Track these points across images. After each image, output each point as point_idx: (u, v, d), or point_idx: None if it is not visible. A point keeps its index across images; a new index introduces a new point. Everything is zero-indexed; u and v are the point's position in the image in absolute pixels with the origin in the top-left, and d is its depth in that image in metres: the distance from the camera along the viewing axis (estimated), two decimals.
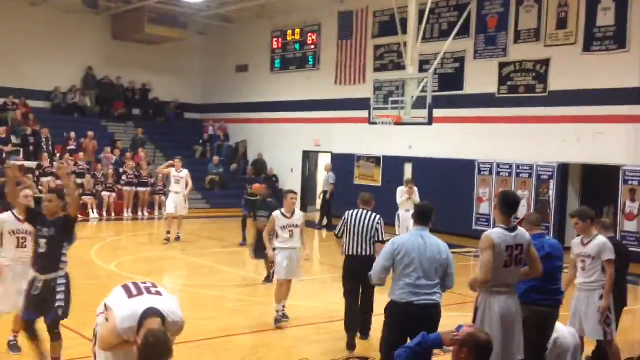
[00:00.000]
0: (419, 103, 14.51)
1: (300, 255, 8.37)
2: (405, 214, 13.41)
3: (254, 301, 9.57)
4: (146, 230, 17.59)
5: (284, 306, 8.35)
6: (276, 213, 8.31)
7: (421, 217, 5.54)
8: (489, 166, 16.98)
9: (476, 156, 17.19)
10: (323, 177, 20.07)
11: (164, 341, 3.67)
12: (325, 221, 18.73)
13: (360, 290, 7.46)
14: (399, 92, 15.13)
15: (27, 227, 6.13)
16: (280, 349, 7.25)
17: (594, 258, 6.32)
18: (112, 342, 3.94)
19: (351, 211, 7.60)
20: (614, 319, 6.50)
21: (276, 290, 8.33)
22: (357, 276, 7.29)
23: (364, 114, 17.55)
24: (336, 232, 7.69)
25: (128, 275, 10.90)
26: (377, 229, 7.42)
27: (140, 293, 4.01)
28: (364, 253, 7.37)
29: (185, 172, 14.50)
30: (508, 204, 5.26)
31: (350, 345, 7.16)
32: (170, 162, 14.90)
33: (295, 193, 8.68)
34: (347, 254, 7.50)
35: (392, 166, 19.14)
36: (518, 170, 16.42)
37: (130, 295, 3.99)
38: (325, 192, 19.14)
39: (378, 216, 7.55)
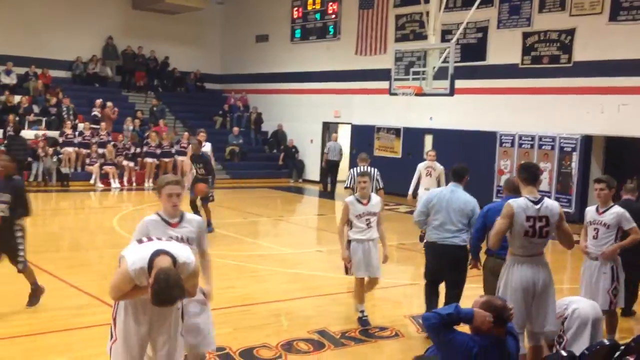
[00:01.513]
0: (441, 74, 14.35)
1: (377, 250, 7.10)
2: (425, 191, 11.44)
3: (274, 271, 9.63)
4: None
5: (362, 311, 7.10)
6: (349, 199, 7.11)
7: (455, 175, 6.78)
8: (511, 138, 16.79)
9: (498, 128, 17.00)
10: (330, 146, 20.35)
11: (175, 278, 3.76)
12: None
13: None
14: (420, 62, 14.97)
15: None
16: (299, 318, 7.30)
17: (609, 227, 6.34)
18: (123, 288, 3.96)
19: (355, 168, 10.00)
20: (622, 289, 6.47)
21: (355, 289, 7.24)
22: None
23: (384, 84, 17.41)
24: (346, 185, 9.86)
25: None
26: (377, 179, 9.79)
27: (150, 240, 4.13)
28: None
29: (208, 146, 13.25)
30: (529, 173, 5.39)
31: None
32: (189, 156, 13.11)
33: (366, 175, 7.14)
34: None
35: (412, 138, 19.02)
36: (540, 142, 16.22)
37: (141, 242, 4.12)
38: (335, 162, 19.60)
39: (376, 169, 9.91)
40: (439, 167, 11.70)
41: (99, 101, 20.80)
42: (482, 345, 3.85)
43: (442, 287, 6.86)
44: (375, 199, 7.13)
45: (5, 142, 17.52)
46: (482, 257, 6.50)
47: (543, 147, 16.17)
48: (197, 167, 11.80)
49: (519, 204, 5.18)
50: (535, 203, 5.19)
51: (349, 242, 7.04)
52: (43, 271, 8.71)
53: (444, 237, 6.57)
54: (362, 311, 7.05)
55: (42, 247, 10.54)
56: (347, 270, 7.16)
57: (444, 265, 6.66)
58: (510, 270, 5.26)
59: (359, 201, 7.03)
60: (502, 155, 16.93)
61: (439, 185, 11.26)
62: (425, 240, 6.99)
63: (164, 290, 3.72)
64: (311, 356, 6.14)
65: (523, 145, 16.59)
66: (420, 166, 11.94)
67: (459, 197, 6.62)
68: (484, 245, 6.34)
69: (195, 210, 11.37)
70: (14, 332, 6.27)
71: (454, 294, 6.65)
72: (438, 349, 4.01)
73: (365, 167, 10.01)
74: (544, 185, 15.97)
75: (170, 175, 5.71)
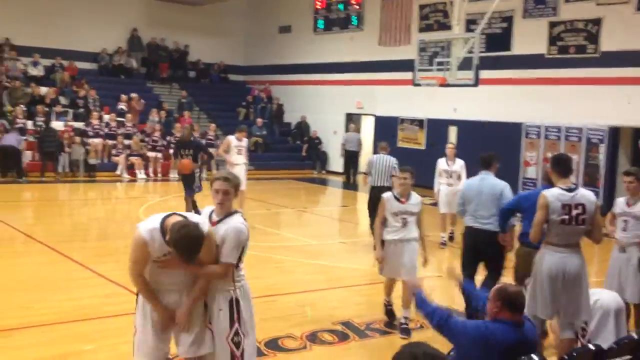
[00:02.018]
0: (465, 64, 14.23)
1: (416, 252, 6.67)
2: (445, 188, 11.11)
3: (298, 262, 9.68)
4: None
5: (406, 318, 6.62)
6: (387, 195, 6.70)
7: (483, 163, 7.04)
8: (537, 129, 16.62)
9: (523, 119, 16.84)
10: (347, 137, 20.47)
11: (192, 225, 3.85)
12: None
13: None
14: (444, 52, 14.88)
15: None
16: (323, 309, 7.34)
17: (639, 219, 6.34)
18: (140, 259, 4.02)
19: (374, 155, 10.86)
20: None
21: (384, 283, 6.96)
22: (379, 199, 8.62)
23: (408, 75, 17.34)
24: (365, 171, 10.86)
25: None
26: (393, 167, 10.30)
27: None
28: (384, 184, 10.17)
29: (246, 141, 13.14)
30: (563, 166, 5.51)
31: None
32: (227, 140, 13.06)
33: (407, 171, 6.69)
34: (372, 184, 10.51)
35: (436, 129, 18.92)
36: (567, 134, 16.03)
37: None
38: (354, 153, 19.69)
39: (394, 158, 10.55)
40: (459, 162, 11.14)
41: (124, 96, 20.98)
42: (497, 331, 3.87)
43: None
44: (416, 198, 6.68)
45: (38, 134, 17.84)
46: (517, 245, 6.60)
47: (570, 138, 15.98)
48: (185, 152, 11.54)
49: (553, 193, 5.29)
50: (570, 191, 5.29)
51: (383, 242, 6.68)
52: (72, 260, 8.87)
53: (478, 223, 6.80)
54: (388, 302, 6.95)
55: (70, 237, 10.73)
56: (381, 270, 6.85)
57: (479, 251, 6.85)
58: (543, 259, 5.34)
59: (396, 198, 6.62)
60: (528, 147, 16.77)
61: (461, 181, 10.86)
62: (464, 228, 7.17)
63: (183, 238, 3.79)
64: (336, 347, 6.17)
65: (549, 137, 16.41)
66: (440, 163, 11.29)
67: (488, 182, 6.86)
68: (516, 233, 6.58)
69: (195, 208, 10.63)
70: (43, 321, 6.39)
71: (492, 282, 6.64)
72: (452, 342, 4.04)
73: (384, 155, 10.71)
74: (571, 178, 15.78)
75: (224, 171, 5.69)
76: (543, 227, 5.32)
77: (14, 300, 7.04)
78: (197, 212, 9.21)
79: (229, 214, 4.27)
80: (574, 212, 5.22)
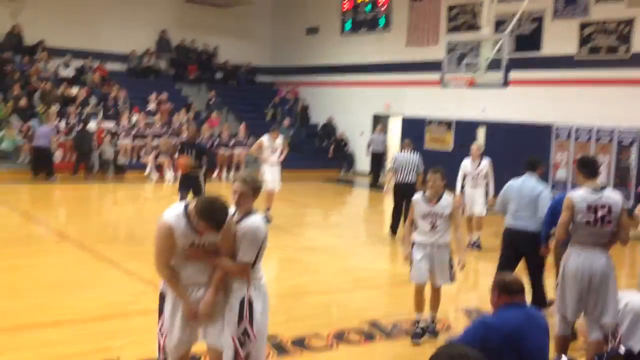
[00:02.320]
0: (494, 65, 14.10)
1: (447, 258, 6.33)
2: (470, 190, 10.80)
3: (325, 262, 9.68)
4: (222, 191, 18.00)
5: (433, 318, 6.44)
6: (416, 197, 6.39)
7: (528, 165, 7.18)
8: (567, 131, 16.42)
9: (553, 120, 16.64)
10: (372, 138, 20.55)
11: (216, 196, 4.00)
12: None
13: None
14: (473, 53, 14.74)
15: None
16: (350, 310, 7.33)
17: None
18: (164, 246, 4.07)
19: (399, 152, 11.43)
20: None
21: (414, 295, 6.45)
22: (404, 195, 10.58)
23: (436, 76, 17.23)
24: (389, 168, 11.48)
25: None
26: (417, 165, 10.97)
27: None
28: (409, 181, 10.87)
29: (281, 139, 12.97)
30: (589, 168, 5.53)
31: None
32: (263, 146, 12.61)
33: (438, 172, 6.30)
34: (397, 181, 11.05)
35: (464, 130, 18.79)
36: (598, 135, 15.81)
37: None
38: (379, 154, 19.66)
39: (418, 154, 11.14)
40: (485, 162, 10.78)
41: (153, 96, 21.20)
42: (496, 321, 3.91)
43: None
44: (447, 199, 6.27)
45: (75, 135, 18.13)
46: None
47: (600, 140, 15.76)
48: (188, 154, 10.31)
49: (579, 194, 5.33)
50: (596, 193, 5.32)
51: (413, 244, 6.40)
52: (101, 259, 8.99)
53: (517, 224, 6.90)
54: (417, 322, 6.36)
55: (100, 236, 10.87)
56: (411, 276, 6.45)
57: (518, 251, 6.97)
58: (568, 259, 5.39)
59: (425, 200, 6.30)
60: (558, 149, 16.57)
61: (487, 183, 10.81)
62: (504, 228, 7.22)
63: (210, 202, 3.97)
64: (362, 347, 6.17)
65: (580, 139, 16.20)
66: (465, 164, 10.87)
67: (529, 184, 6.96)
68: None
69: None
70: (74, 318, 6.49)
71: (534, 281, 6.96)
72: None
73: (408, 152, 11.22)
74: (600, 179, 15.56)
75: (243, 171, 5.74)
76: (568, 228, 5.37)
77: (46, 297, 7.17)
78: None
79: (247, 213, 4.28)
80: (600, 214, 5.25)
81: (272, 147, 12.60)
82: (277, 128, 13.51)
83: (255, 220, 4.25)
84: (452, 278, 6.38)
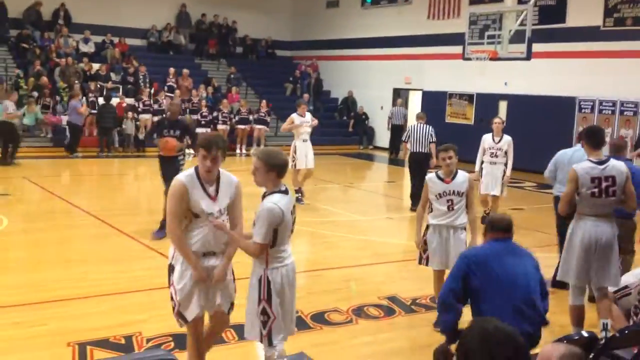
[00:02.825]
0: (517, 37, 13.91)
1: (464, 242, 6.00)
2: (488, 167, 10.28)
3: (344, 237, 9.70)
4: (243, 166, 18.06)
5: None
6: (430, 176, 6.08)
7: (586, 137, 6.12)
8: (591, 103, 16.17)
9: (577, 93, 16.40)
10: (393, 111, 20.46)
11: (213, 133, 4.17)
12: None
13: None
14: (495, 25, 14.55)
15: None
16: (369, 284, 7.36)
17: None
18: (177, 208, 4.16)
19: (412, 124, 11.95)
20: None
21: (433, 282, 6.18)
22: (418, 164, 11.47)
23: (457, 49, 17.03)
24: (403, 138, 11.99)
25: None
26: (431, 135, 11.42)
27: None
28: (423, 150, 11.44)
29: (309, 116, 12.21)
30: (596, 138, 5.56)
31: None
32: (293, 121, 11.99)
33: (450, 149, 5.95)
34: (412, 151, 11.59)
35: (485, 104, 18.59)
36: (622, 108, 15.57)
37: None
38: (399, 126, 19.61)
39: (431, 127, 11.55)
40: (506, 139, 10.28)
41: (172, 70, 21.20)
42: (472, 251, 4.46)
43: None
44: (462, 176, 5.94)
45: (97, 111, 18.24)
46: None
47: (625, 113, 15.51)
48: (171, 134, 9.06)
49: (582, 167, 5.39)
50: (600, 164, 5.37)
51: (428, 227, 6.10)
52: (124, 233, 9.10)
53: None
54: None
55: (122, 210, 10.99)
56: (420, 259, 6.18)
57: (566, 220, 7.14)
58: (576, 227, 5.50)
59: (440, 178, 5.96)
60: (581, 122, 16.34)
61: (507, 160, 10.20)
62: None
63: (206, 137, 4.30)
64: (382, 321, 6.19)
65: (603, 111, 15.95)
66: (485, 139, 10.40)
67: (579, 155, 6.74)
68: None
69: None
70: (98, 291, 6.58)
71: None
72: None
73: (422, 125, 11.59)
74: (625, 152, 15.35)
75: (263, 147, 5.71)
76: (572, 200, 5.44)
77: (70, 271, 7.28)
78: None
79: (272, 192, 4.21)
80: (604, 185, 5.31)
81: (302, 122, 11.99)
82: (304, 102, 12.90)
83: (271, 199, 4.15)
84: None
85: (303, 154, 11.85)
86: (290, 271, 4.32)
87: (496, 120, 10.43)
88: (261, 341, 4.31)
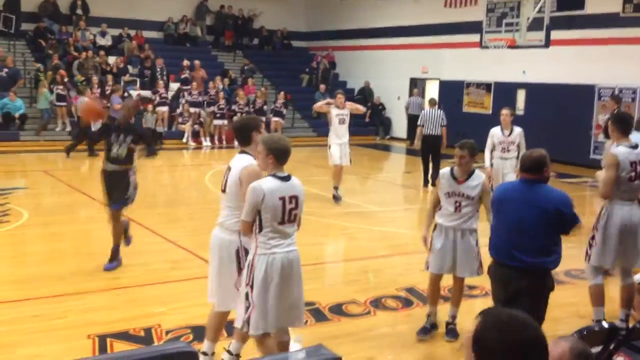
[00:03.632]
0: (535, 25, 13.75)
1: (472, 248, 5.45)
2: (499, 162, 9.39)
3: (362, 228, 9.68)
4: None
5: (453, 316, 5.65)
6: (444, 171, 5.54)
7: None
8: (610, 91, 15.94)
9: (596, 80, 16.18)
10: (409, 101, 20.44)
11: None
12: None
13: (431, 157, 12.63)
14: (513, 13, 14.39)
15: None
16: (387, 275, 7.34)
17: None
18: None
19: (425, 109, 13.18)
20: None
21: (429, 286, 5.76)
22: (430, 146, 12.68)
23: (474, 38, 16.88)
24: (419, 123, 12.80)
25: None
26: (442, 118, 12.52)
27: None
28: (436, 133, 12.54)
29: (347, 110, 11.22)
30: (622, 121, 5.70)
31: None
32: (329, 100, 11.35)
33: (465, 148, 5.30)
34: (425, 133, 12.63)
35: (504, 93, 18.41)
36: None
37: None
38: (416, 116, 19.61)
39: (442, 111, 12.73)
40: (517, 130, 9.34)
41: (186, 62, 21.18)
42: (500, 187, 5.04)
43: None
44: (477, 178, 5.35)
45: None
46: None
47: None
48: (120, 140, 7.13)
49: (621, 152, 5.46)
50: (634, 148, 5.50)
51: (435, 226, 5.59)
52: (142, 226, 9.15)
53: None
54: (428, 315, 5.68)
55: (140, 203, 11.00)
56: (426, 265, 5.69)
57: None
58: (612, 212, 5.54)
59: (453, 176, 5.40)
60: (601, 110, 16.12)
61: (518, 152, 9.18)
62: None
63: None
64: (399, 313, 6.17)
65: (624, 99, 15.69)
66: (494, 133, 9.41)
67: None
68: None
69: (125, 233, 7.55)
70: (117, 284, 6.64)
71: None
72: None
73: (434, 110, 12.71)
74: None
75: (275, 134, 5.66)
76: (613, 184, 5.45)
77: (89, 264, 7.33)
78: (127, 238, 7.39)
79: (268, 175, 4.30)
80: (638, 169, 5.43)
81: (340, 115, 10.93)
82: (342, 92, 11.63)
83: (260, 180, 4.23)
84: (478, 271, 5.48)
85: (336, 149, 11.08)
86: (280, 261, 4.17)
87: (504, 111, 9.33)
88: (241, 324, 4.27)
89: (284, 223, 4.19)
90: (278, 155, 4.19)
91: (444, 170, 5.56)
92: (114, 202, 7.13)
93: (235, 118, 19.47)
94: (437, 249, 5.48)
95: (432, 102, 13.07)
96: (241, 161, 4.52)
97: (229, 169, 4.60)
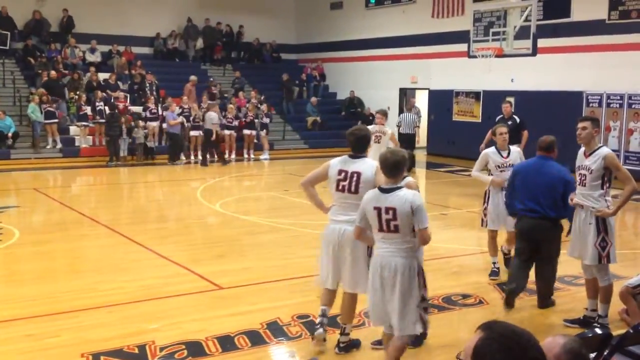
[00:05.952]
0: (522, 33, 13.85)
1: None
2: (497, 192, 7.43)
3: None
4: (250, 171, 18.09)
5: (510, 250, 7.60)
6: (488, 150, 7.52)
7: None
8: (598, 97, 16.08)
9: (584, 87, 16.31)
10: (403, 117, 19.97)
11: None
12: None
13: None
14: (500, 22, 14.51)
15: None
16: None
17: None
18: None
19: (403, 113, 16.77)
20: None
21: (488, 240, 7.67)
22: (406, 142, 15.01)
23: (462, 47, 16.98)
24: (397, 124, 16.22)
25: (232, 214, 11.30)
26: (415, 120, 16.79)
27: None
28: (410, 132, 16.49)
29: (389, 128, 10.84)
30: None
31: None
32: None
33: (504, 127, 7.65)
34: (400, 132, 15.61)
35: (492, 101, 18.46)
36: (630, 101, 15.47)
37: None
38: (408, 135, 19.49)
39: (416, 115, 16.75)
40: (515, 151, 7.65)
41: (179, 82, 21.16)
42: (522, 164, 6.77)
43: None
44: (515, 152, 7.47)
45: (105, 120, 18.34)
46: None
47: (633, 106, 15.41)
48: None
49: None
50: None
51: (486, 192, 7.48)
52: (134, 242, 9.12)
53: None
54: (493, 263, 7.42)
55: (132, 219, 11.01)
56: (482, 222, 7.49)
57: None
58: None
59: (499, 153, 7.39)
60: (590, 116, 16.25)
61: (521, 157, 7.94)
62: None
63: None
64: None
65: (611, 105, 15.85)
66: (490, 155, 7.52)
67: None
68: None
69: None
70: (111, 301, 6.59)
71: None
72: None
73: (409, 113, 16.40)
74: (633, 146, 15.29)
75: None
76: None
77: (81, 281, 7.30)
78: None
79: None
80: None
81: (377, 134, 10.15)
82: (382, 111, 11.00)
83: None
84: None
85: None
86: (327, 230, 5.55)
87: (501, 130, 7.63)
88: None
89: (338, 198, 5.67)
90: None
91: (489, 150, 7.46)
92: None
93: (224, 132, 19.50)
94: (492, 209, 7.44)
95: (407, 108, 16.38)
96: (368, 163, 5.51)
97: (353, 174, 5.43)
